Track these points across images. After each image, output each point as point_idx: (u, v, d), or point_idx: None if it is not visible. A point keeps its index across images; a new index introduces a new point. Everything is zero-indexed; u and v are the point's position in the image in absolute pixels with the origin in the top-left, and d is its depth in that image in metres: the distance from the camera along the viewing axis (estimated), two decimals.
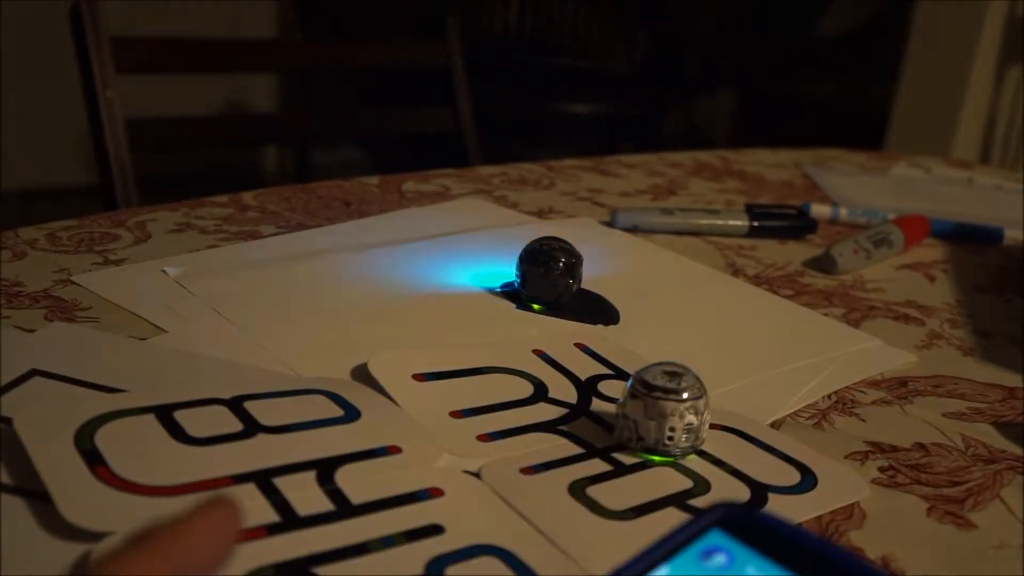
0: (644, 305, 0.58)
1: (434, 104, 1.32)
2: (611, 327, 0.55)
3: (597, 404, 0.45)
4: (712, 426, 0.42)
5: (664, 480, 0.39)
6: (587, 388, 0.46)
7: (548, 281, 0.55)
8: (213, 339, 0.48)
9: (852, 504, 0.39)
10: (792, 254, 0.73)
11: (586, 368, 0.48)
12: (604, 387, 0.47)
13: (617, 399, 0.42)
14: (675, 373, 0.40)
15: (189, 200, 0.70)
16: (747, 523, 0.26)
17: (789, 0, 3.12)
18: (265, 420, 0.39)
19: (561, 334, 0.52)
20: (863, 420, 0.47)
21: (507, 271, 0.58)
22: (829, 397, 0.49)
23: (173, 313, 0.50)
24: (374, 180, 0.81)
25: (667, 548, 0.26)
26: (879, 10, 2.98)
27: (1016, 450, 0.45)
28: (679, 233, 0.74)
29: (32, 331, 0.46)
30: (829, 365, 0.52)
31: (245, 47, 1.34)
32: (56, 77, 2.27)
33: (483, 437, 0.41)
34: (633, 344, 0.52)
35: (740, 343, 0.55)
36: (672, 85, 3.18)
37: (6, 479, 0.34)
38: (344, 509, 0.35)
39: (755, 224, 0.75)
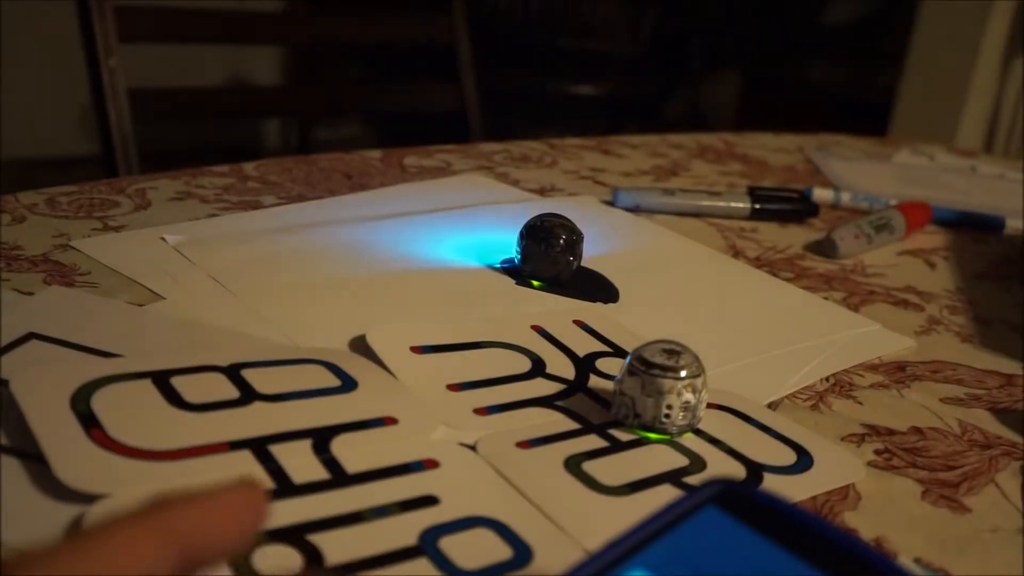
0: (644, 284, 0.58)
1: (439, 81, 1.31)
2: (610, 305, 0.55)
3: (595, 381, 0.45)
4: (709, 405, 0.42)
5: (660, 457, 0.39)
6: (585, 365, 0.46)
7: (548, 258, 0.54)
8: (211, 307, 0.48)
9: (847, 485, 0.39)
10: (793, 237, 0.72)
11: (584, 345, 0.48)
12: (602, 364, 0.46)
13: (615, 376, 0.41)
14: (673, 351, 0.40)
15: (190, 169, 0.70)
16: (742, 500, 0.26)
17: None
18: (262, 388, 0.39)
19: (560, 311, 0.52)
20: (860, 403, 0.47)
21: (507, 247, 0.58)
22: (827, 380, 0.49)
23: (172, 280, 0.50)
24: (376, 154, 0.81)
25: (662, 523, 0.26)
26: None
27: (1012, 437, 0.45)
28: (680, 214, 0.74)
29: (30, 294, 0.46)
30: (828, 348, 0.52)
31: (249, 18, 1.33)
32: (59, 46, 2.26)
33: (480, 410, 0.41)
34: (632, 322, 0.52)
35: (739, 324, 0.55)
36: (677, 68, 3.16)
37: (2, 440, 0.34)
38: (339, 478, 0.35)
39: (757, 207, 0.75)
